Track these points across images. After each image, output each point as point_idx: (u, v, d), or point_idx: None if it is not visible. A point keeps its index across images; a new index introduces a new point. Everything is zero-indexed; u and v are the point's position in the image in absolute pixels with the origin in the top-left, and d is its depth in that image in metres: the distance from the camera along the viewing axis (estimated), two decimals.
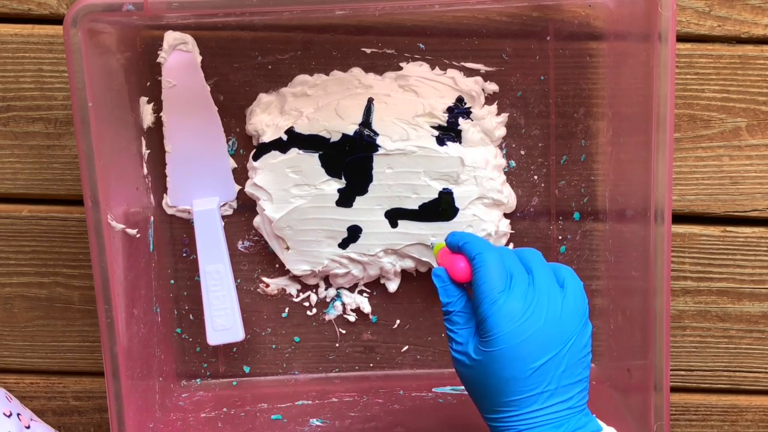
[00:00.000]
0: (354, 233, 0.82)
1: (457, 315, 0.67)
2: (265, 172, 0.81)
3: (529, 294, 0.65)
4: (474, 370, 0.65)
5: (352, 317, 0.86)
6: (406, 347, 0.87)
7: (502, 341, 0.63)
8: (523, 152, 0.83)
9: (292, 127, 0.81)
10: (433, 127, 0.80)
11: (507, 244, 0.84)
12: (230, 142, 0.83)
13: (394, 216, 0.82)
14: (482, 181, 0.81)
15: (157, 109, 0.81)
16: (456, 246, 0.69)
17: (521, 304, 0.64)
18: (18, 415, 0.81)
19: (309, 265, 0.83)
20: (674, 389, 0.89)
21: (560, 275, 0.67)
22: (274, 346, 0.87)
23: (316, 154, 0.81)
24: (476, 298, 0.65)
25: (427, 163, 0.80)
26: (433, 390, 0.86)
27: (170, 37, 0.78)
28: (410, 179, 0.81)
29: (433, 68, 0.81)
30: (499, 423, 0.65)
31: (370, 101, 0.80)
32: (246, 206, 0.84)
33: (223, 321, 0.83)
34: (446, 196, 0.80)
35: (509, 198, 0.83)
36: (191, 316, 0.86)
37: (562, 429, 0.64)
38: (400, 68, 0.81)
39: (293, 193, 0.81)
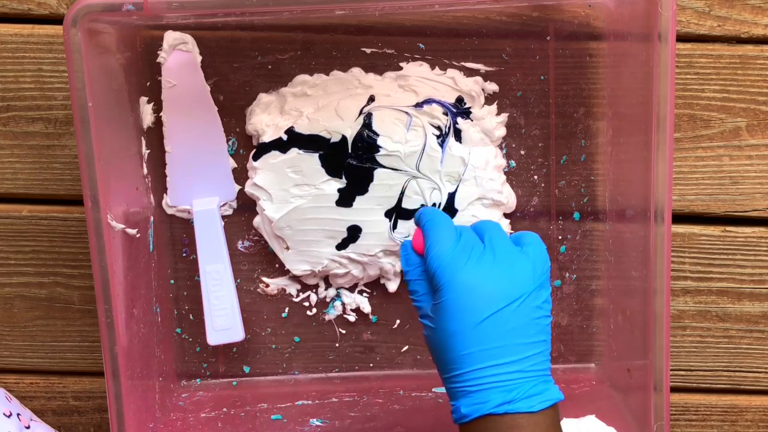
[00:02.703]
0: (354, 233, 0.82)
1: (416, 283, 0.68)
2: (265, 172, 0.81)
3: (477, 249, 0.65)
4: (430, 331, 0.66)
5: (352, 317, 0.86)
6: (406, 347, 0.87)
7: (447, 291, 0.64)
8: (523, 152, 0.83)
9: (292, 127, 0.81)
10: (434, 127, 0.80)
11: None
12: (230, 142, 0.83)
13: (395, 216, 0.82)
14: (482, 181, 0.81)
15: (157, 109, 0.81)
16: (417, 221, 0.71)
17: (467, 256, 0.65)
18: (18, 415, 0.81)
19: (309, 265, 0.83)
20: (674, 389, 0.89)
21: (523, 239, 0.68)
22: (274, 346, 0.87)
23: (316, 154, 0.81)
24: (426, 257, 0.66)
25: (427, 163, 0.80)
26: (433, 390, 0.86)
27: (170, 37, 0.78)
28: (411, 179, 0.81)
29: (433, 68, 0.81)
30: (451, 384, 0.65)
31: (370, 100, 0.80)
32: (246, 206, 0.84)
33: (223, 321, 0.83)
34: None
35: (509, 198, 0.83)
36: (191, 316, 0.86)
37: (514, 393, 0.63)
38: (400, 68, 0.81)
39: (293, 193, 0.81)
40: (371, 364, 0.87)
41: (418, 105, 0.80)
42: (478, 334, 0.63)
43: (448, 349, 0.64)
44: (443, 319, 0.64)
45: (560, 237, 0.85)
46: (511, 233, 0.82)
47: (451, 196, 0.81)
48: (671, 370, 0.88)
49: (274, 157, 0.81)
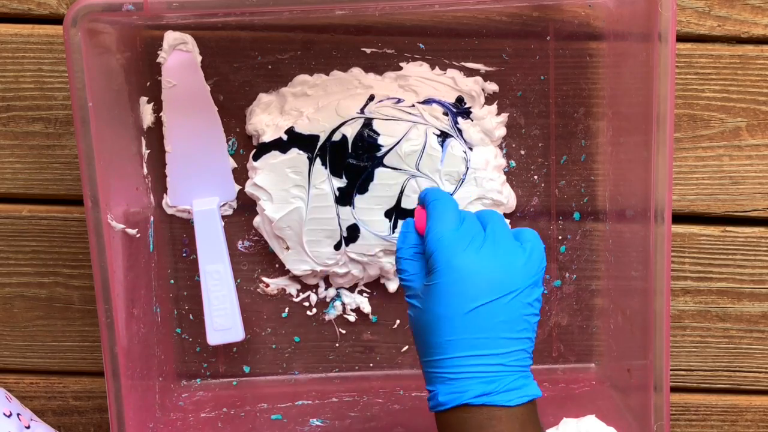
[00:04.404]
0: (354, 233, 0.82)
1: (407, 262, 0.67)
2: (265, 172, 0.81)
3: (478, 236, 0.65)
4: (418, 312, 0.65)
5: (352, 317, 0.86)
6: (406, 347, 0.87)
7: (442, 274, 0.63)
8: (523, 152, 0.83)
9: (292, 127, 0.81)
10: (435, 126, 0.80)
11: None
12: (230, 142, 0.83)
13: (394, 216, 0.82)
14: (482, 181, 0.81)
15: (157, 109, 0.81)
16: (422, 200, 0.70)
17: (467, 242, 0.64)
18: (18, 415, 0.81)
19: (309, 265, 0.83)
20: (674, 389, 0.89)
21: (522, 236, 0.67)
22: (274, 346, 0.87)
23: (317, 154, 0.81)
24: (426, 237, 0.66)
25: (427, 162, 0.80)
26: None
27: (170, 37, 0.78)
28: (412, 178, 0.81)
29: (433, 68, 0.81)
30: (431, 368, 0.64)
31: (370, 98, 0.80)
32: (246, 206, 0.84)
33: (223, 321, 0.83)
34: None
35: (509, 198, 0.83)
36: (191, 316, 0.86)
37: (494, 386, 0.62)
38: (400, 68, 0.81)
39: (293, 194, 0.81)
40: (371, 364, 0.87)
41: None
42: (467, 322, 0.63)
43: (434, 333, 0.64)
44: (434, 301, 0.63)
45: (560, 237, 0.85)
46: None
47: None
48: (671, 370, 0.88)
49: (274, 157, 0.81)
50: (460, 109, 0.81)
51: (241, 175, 0.84)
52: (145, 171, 0.82)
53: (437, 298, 0.63)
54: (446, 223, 0.65)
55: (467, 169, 0.81)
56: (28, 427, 0.81)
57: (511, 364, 0.63)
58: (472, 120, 0.81)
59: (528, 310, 0.64)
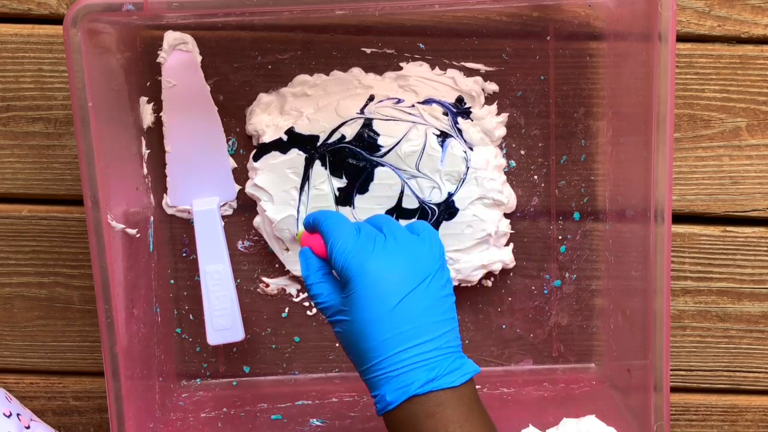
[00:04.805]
0: None
1: (319, 285, 0.68)
2: (265, 173, 0.81)
3: (379, 238, 0.67)
4: (345, 326, 0.66)
5: None
6: None
7: (358, 281, 0.65)
8: (523, 152, 0.83)
9: (293, 127, 0.81)
10: (435, 126, 0.80)
11: (507, 244, 0.84)
12: (230, 142, 0.83)
13: (395, 215, 0.82)
14: (482, 181, 0.81)
15: (157, 109, 0.81)
16: (310, 225, 0.71)
17: (371, 245, 0.66)
18: (18, 415, 0.81)
19: None
20: (674, 389, 0.89)
21: (416, 228, 0.69)
22: (274, 346, 0.87)
23: (316, 155, 0.81)
24: (330, 255, 0.67)
25: (427, 162, 0.80)
26: None
27: (170, 37, 0.78)
28: (411, 178, 0.81)
29: (433, 68, 0.81)
30: (371, 373, 0.65)
31: (370, 98, 0.80)
32: (246, 206, 0.84)
33: (223, 321, 0.83)
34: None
35: (509, 198, 0.83)
36: (191, 316, 0.86)
37: (436, 371, 0.64)
38: (400, 68, 0.81)
39: (294, 196, 0.81)
40: None
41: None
42: (394, 317, 0.64)
43: (366, 338, 0.65)
44: (358, 308, 0.65)
45: (560, 237, 0.85)
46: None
47: (451, 196, 0.81)
48: (671, 370, 0.88)
49: (274, 157, 0.81)
50: (460, 109, 0.81)
51: (241, 175, 0.84)
52: (145, 171, 0.82)
53: (361, 305, 0.65)
54: (346, 234, 0.67)
55: (468, 168, 0.81)
56: (28, 427, 0.81)
57: (445, 346, 0.65)
58: (472, 120, 0.81)
59: (444, 291, 0.67)
